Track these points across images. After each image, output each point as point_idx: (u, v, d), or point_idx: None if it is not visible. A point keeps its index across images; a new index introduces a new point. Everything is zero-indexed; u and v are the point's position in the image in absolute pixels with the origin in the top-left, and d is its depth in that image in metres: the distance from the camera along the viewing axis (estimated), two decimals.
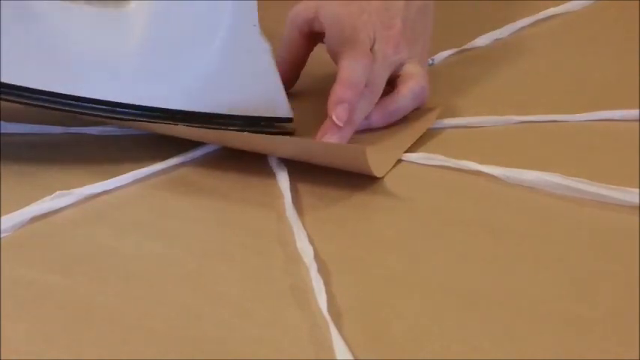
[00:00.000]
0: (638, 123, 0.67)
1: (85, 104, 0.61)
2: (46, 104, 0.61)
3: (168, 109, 0.63)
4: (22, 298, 0.50)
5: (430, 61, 0.79)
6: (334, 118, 0.64)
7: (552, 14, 0.90)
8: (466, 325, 0.47)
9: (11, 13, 0.59)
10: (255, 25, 0.64)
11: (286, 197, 0.59)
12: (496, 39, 0.85)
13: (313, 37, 0.71)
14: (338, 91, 0.64)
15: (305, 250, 0.53)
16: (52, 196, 0.58)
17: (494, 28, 0.85)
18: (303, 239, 0.54)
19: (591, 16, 0.91)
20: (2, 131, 0.66)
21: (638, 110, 0.67)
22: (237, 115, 0.64)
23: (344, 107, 0.64)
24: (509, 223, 0.56)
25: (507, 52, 0.83)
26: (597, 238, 0.54)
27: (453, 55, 0.81)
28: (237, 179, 0.61)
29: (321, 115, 0.65)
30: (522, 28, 0.87)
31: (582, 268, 0.51)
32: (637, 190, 0.56)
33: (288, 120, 0.66)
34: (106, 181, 0.61)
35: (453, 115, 0.69)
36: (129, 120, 0.62)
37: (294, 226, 0.56)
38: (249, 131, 0.64)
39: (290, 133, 0.66)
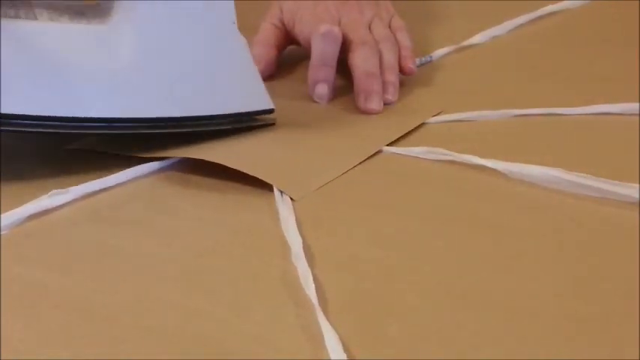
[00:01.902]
0: (637, 117, 0.67)
1: (82, 124, 0.61)
2: (44, 129, 0.60)
3: (160, 117, 0.63)
4: (19, 297, 0.50)
5: (429, 58, 0.80)
6: (316, 97, 0.72)
7: (550, 12, 0.90)
8: (464, 323, 0.47)
9: None
10: (234, 22, 0.65)
11: (277, 193, 0.59)
12: (494, 36, 0.85)
13: (285, 30, 0.78)
14: (312, 73, 0.72)
15: (293, 241, 0.53)
16: (49, 194, 0.58)
17: (492, 26, 0.86)
18: (292, 231, 0.54)
19: (589, 14, 0.91)
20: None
21: (636, 104, 0.68)
22: (223, 115, 0.65)
23: (322, 86, 0.71)
24: (508, 219, 0.56)
25: (506, 49, 0.83)
26: (597, 235, 0.54)
27: (451, 52, 0.82)
28: (234, 177, 0.61)
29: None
30: (521, 25, 0.88)
31: (582, 266, 0.51)
32: (637, 185, 0.56)
33: (270, 111, 0.67)
34: (102, 179, 0.61)
35: (452, 111, 0.70)
36: (127, 133, 0.63)
37: (282, 219, 0.56)
38: (233, 128, 0.66)
39: (272, 124, 0.68)
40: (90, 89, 0.61)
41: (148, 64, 0.63)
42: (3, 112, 0.58)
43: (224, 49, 0.65)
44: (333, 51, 0.72)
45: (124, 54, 0.62)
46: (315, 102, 0.72)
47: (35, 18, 0.61)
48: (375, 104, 0.70)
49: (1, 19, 0.59)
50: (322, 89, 0.72)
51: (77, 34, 0.62)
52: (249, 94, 0.67)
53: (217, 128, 0.65)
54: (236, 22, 0.65)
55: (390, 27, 0.77)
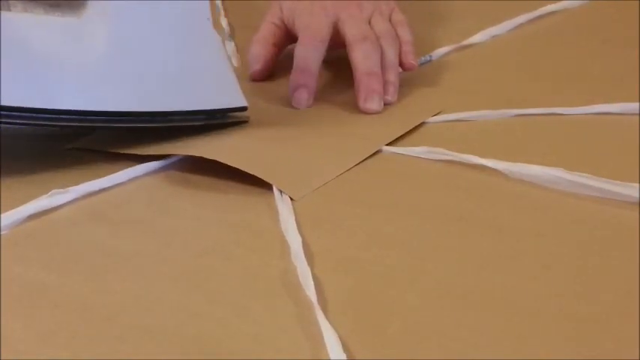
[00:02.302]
0: (636, 116, 0.66)
1: (54, 116, 0.61)
2: (15, 121, 0.60)
3: (132, 111, 0.63)
4: (19, 296, 0.50)
5: (428, 57, 0.80)
6: (294, 103, 0.71)
7: (550, 11, 0.90)
8: (464, 322, 0.47)
9: None
10: (208, 19, 0.65)
11: (276, 192, 0.59)
12: (494, 35, 0.85)
13: (285, 28, 0.78)
14: (293, 78, 0.71)
15: (292, 240, 0.53)
16: (49, 194, 0.58)
17: (492, 25, 0.86)
18: (291, 231, 0.54)
19: (589, 13, 0.91)
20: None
21: (636, 103, 0.67)
22: (196, 110, 0.65)
23: (301, 91, 0.71)
24: (508, 219, 0.56)
25: (505, 48, 0.83)
26: (597, 235, 0.54)
27: (451, 51, 0.82)
28: (233, 177, 0.61)
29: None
30: (520, 24, 0.88)
31: (582, 266, 0.51)
32: (637, 184, 0.56)
33: (243, 109, 0.67)
34: (102, 179, 0.61)
35: (451, 110, 0.69)
36: (99, 126, 0.63)
37: (281, 218, 0.56)
38: (206, 124, 0.65)
39: (245, 122, 0.68)
40: (61, 81, 0.61)
41: (120, 57, 0.62)
42: None
43: (197, 46, 0.65)
44: (316, 57, 0.72)
45: (95, 47, 0.62)
46: (314, 103, 0.72)
47: (9, 9, 0.60)
48: (375, 104, 0.70)
49: None
50: (301, 94, 0.71)
51: (50, 26, 0.61)
52: (222, 91, 0.67)
53: (190, 124, 0.65)
54: (211, 18, 0.65)
55: (390, 21, 0.76)
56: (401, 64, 0.74)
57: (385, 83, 0.71)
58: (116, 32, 0.62)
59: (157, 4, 0.63)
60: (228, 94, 0.67)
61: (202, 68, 0.65)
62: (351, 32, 0.73)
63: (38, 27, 0.61)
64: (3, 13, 0.60)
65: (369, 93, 0.70)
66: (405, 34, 0.75)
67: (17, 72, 0.59)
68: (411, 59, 0.74)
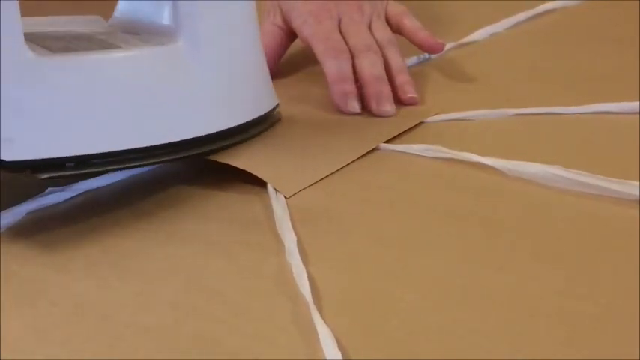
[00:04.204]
0: (636, 115, 0.67)
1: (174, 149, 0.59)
2: (135, 163, 0.57)
3: (220, 131, 0.61)
4: (16, 294, 0.50)
5: (427, 56, 0.80)
6: (350, 109, 0.70)
7: (549, 9, 0.90)
8: (463, 320, 0.47)
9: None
10: (256, 24, 0.65)
11: (271, 190, 0.59)
12: (493, 33, 0.85)
13: (287, 27, 0.77)
14: (338, 88, 0.70)
15: (287, 238, 0.53)
16: (48, 191, 0.58)
17: (491, 23, 0.86)
18: (286, 228, 0.54)
19: (587, 12, 0.91)
20: None
21: (636, 102, 0.67)
22: (248, 122, 0.64)
23: (351, 98, 0.70)
24: (508, 217, 0.56)
25: (504, 46, 0.83)
26: (596, 233, 0.54)
27: (450, 49, 0.82)
28: (231, 176, 0.61)
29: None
30: (519, 23, 0.88)
31: (581, 264, 0.51)
32: (637, 182, 0.56)
33: (276, 107, 0.67)
34: (102, 177, 0.61)
35: (450, 109, 0.70)
36: (172, 160, 0.60)
37: (276, 216, 0.56)
38: (253, 134, 0.64)
39: (279, 119, 0.68)
40: (179, 112, 0.59)
41: (216, 78, 0.61)
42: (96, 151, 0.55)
43: (253, 52, 0.65)
44: (349, 67, 0.72)
45: (198, 73, 0.60)
46: (311, 103, 0.72)
47: (119, 45, 0.59)
48: (388, 106, 0.69)
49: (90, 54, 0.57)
50: (353, 101, 0.70)
51: (155, 57, 0.59)
52: (264, 94, 0.66)
53: (251, 135, 0.64)
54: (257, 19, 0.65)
55: (388, 20, 0.77)
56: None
57: (403, 84, 0.71)
58: (209, 54, 0.61)
59: (230, 15, 0.62)
60: (269, 95, 0.66)
61: (253, 76, 0.65)
62: (354, 41, 0.72)
63: (145, 60, 0.59)
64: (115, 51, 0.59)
65: (381, 96, 0.70)
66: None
67: (136, 112, 0.58)
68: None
